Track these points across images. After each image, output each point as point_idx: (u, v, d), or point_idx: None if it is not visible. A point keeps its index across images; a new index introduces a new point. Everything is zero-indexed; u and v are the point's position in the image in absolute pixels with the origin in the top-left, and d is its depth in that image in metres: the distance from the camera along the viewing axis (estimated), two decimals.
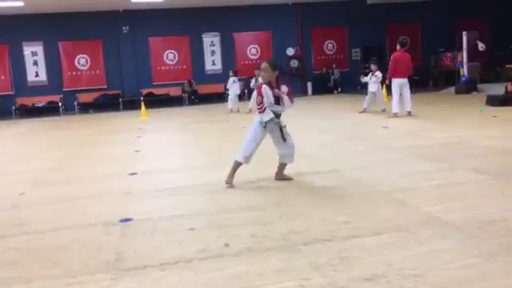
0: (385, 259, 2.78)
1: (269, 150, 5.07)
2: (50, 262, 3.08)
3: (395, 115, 10.21)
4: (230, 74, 14.82)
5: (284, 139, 4.80)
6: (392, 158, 5.93)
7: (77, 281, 2.75)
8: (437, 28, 21.21)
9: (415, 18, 21.58)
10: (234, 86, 14.35)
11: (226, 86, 15.51)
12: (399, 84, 10.30)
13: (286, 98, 4.74)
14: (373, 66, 12.18)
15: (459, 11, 21.00)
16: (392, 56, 10.59)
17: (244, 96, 17.79)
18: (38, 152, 8.82)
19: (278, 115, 4.77)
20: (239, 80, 14.98)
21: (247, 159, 4.83)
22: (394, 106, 10.32)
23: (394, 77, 10.36)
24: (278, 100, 4.74)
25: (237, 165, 4.83)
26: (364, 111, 11.60)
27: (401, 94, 10.37)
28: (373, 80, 11.76)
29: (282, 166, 4.98)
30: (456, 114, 10.63)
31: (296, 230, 3.36)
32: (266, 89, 4.70)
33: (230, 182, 4.80)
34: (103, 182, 5.56)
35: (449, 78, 18.64)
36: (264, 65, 4.76)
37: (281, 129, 4.79)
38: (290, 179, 4.96)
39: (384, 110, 11.50)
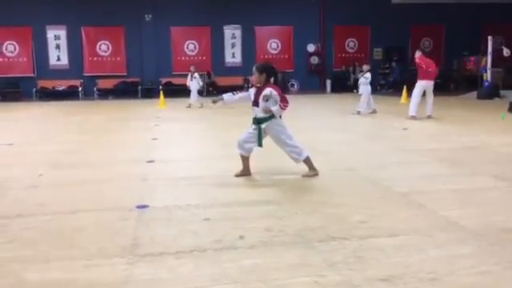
0: (401, 261, 2.75)
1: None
2: (67, 244, 3.12)
3: (413, 118, 10.01)
4: (192, 69, 14.85)
5: (259, 144, 4.80)
6: (410, 159, 5.88)
7: (93, 263, 2.78)
8: (461, 31, 20.93)
9: (440, 19, 21.32)
10: (195, 82, 14.48)
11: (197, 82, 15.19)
12: (425, 86, 10.10)
13: (260, 101, 4.73)
14: (365, 67, 11.97)
15: (485, 15, 20.68)
16: (420, 59, 10.30)
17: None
18: (58, 134, 8.94)
19: (257, 119, 4.78)
20: (200, 76, 14.90)
21: (238, 147, 4.90)
22: (413, 108, 10.11)
23: (423, 78, 10.13)
24: (256, 103, 4.79)
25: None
26: (374, 111, 11.43)
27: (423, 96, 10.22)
28: (362, 81, 11.55)
29: (305, 162, 4.96)
30: (477, 119, 10.49)
31: (311, 227, 3.35)
32: (251, 89, 4.97)
33: (236, 174, 4.94)
34: (121, 168, 5.61)
35: (471, 82, 18.39)
36: (253, 68, 4.88)
37: (259, 133, 4.78)
38: (306, 175, 4.92)
39: (358, 113, 11.33)
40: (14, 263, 2.81)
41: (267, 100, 4.70)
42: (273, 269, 2.67)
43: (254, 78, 4.84)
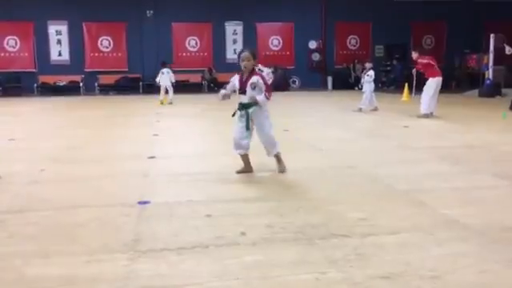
0: (402, 258, 2.75)
1: (285, 142, 5.04)
2: (68, 239, 3.13)
3: (426, 116, 9.84)
4: (161, 66, 14.81)
5: (247, 127, 4.82)
6: (412, 157, 5.88)
7: (94, 259, 2.79)
8: (463, 28, 20.88)
9: (441, 17, 21.25)
10: (163, 78, 14.47)
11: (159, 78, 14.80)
12: (438, 83, 9.96)
13: (248, 89, 4.76)
14: (367, 65, 11.94)
15: (487, 12, 20.62)
16: (426, 58, 10.17)
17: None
18: (59, 130, 8.94)
19: (245, 105, 4.79)
20: (169, 72, 14.80)
21: (233, 146, 4.91)
22: (426, 105, 9.93)
23: (435, 76, 9.97)
24: (243, 90, 4.79)
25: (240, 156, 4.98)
26: (375, 109, 11.44)
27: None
28: (366, 79, 11.54)
29: (275, 158, 4.99)
30: (479, 117, 10.47)
31: (313, 224, 3.36)
32: (234, 77, 4.91)
33: (237, 171, 4.94)
34: (122, 164, 5.61)
35: (473, 80, 18.35)
36: (245, 54, 4.80)
37: (247, 118, 4.80)
38: (283, 171, 4.95)
39: (360, 110, 11.34)
40: (15, 258, 2.81)
41: (254, 88, 4.76)
42: (274, 265, 2.68)
43: (248, 63, 4.79)
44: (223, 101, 4.97)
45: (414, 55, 10.35)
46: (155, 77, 19.86)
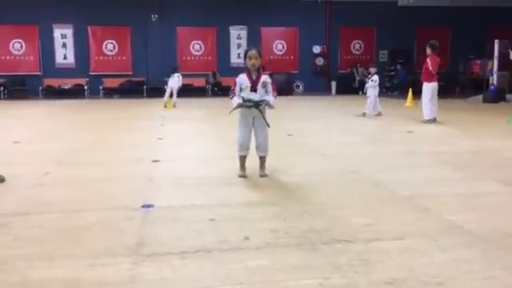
0: (406, 264, 2.75)
1: (288, 146, 5.05)
2: (72, 242, 3.13)
3: (431, 121, 9.80)
4: (173, 71, 14.92)
5: (267, 124, 4.90)
6: (416, 162, 5.86)
7: (98, 262, 2.79)
8: (467, 34, 20.86)
9: (446, 22, 21.24)
10: (172, 81, 14.59)
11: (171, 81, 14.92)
12: (434, 88, 9.95)
13: (259, 87, 4.81)
14: (371, 69, 11.96)
15: (491, 18, 20.60)
16: (432, 59, 10.05)
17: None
18: (64, 133, 8.97)
19: (256, 102, 4.80)
20: (179, 76, 14.83)
21: (239, 148, 4.96)
22: (429, 110, 9.90)
23: (431, 80, 9.96)
24: (255, 88, 4.83)
25: (239, 158, 5.02)
26: (379, 114, 11.42)
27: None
28: (370, 84, 11.56)
29: (261, 161, 5.02)
30: (482, 122, 10.45)
31: (316, 229, 3.36)
32: (240, 77, 4.90)
33: (240, 175, 4.96)
34: (126, 167, 5.62)
35: (477, 85, 18.31)
36: (254, 52, 4.83)
37: (263, 117, 4.87)
38: (266, 175, 4.97)
39: (364, 115, 11.34)
40: (20, 261, 2.82)
41: (264, 86, 4.84)
42: (278, 270, 2.68)
43: (257, 61, 4.82)
44: (234, 111, 4.98)
45: (428, 51, 10.28)
46: (159, 80, 20.04)
